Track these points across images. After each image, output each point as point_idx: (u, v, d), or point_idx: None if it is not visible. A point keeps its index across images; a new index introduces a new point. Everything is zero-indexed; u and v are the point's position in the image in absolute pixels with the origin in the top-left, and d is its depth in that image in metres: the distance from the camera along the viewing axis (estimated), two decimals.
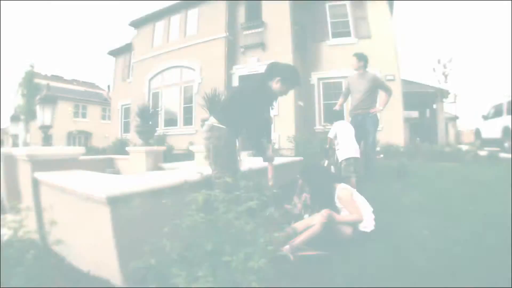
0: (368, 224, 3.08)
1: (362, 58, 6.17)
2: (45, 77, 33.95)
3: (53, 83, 32.75)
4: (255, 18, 14.06)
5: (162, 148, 8.02)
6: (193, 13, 15.98)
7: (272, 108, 3.53)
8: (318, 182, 3.35)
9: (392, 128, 12.29)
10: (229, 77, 14.36)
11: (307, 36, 14.48)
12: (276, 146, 12.36)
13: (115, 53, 22.41)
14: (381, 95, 6.34)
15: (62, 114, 28.17)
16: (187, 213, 1.78)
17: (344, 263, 2.47)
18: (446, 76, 15.10)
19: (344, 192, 3.23)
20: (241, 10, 14.70)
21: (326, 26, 14.23)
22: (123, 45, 21.32)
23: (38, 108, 5.26)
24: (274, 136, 12.90)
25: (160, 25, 17.49)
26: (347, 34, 13.82)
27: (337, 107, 6.30)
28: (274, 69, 3.27)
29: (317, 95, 14.02)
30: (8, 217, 4.44)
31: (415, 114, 22.86)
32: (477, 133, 14.96)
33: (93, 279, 2.50)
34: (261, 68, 13.75)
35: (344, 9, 14.06)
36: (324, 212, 2.92)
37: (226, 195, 1.97)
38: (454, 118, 16.95)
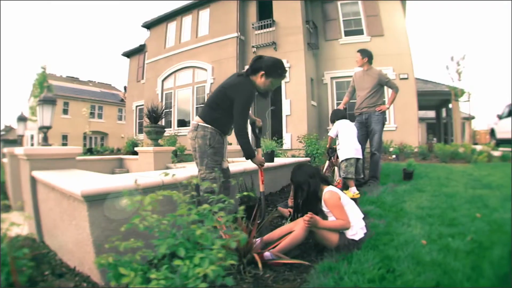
0: (357, 232, 2.77)
1: (366, 54, 5.88)
2: (60, 78, 34.54)
3: (68, 84, 33.31)
4: (266, 18, 13.91)
5: (171, 148, 8.11)
6: (204, 13, 15.95)
7: (266, 98, 3.43)
8: (304, 184, 3.01)
9: (406, 128, 12.06)
10: None
11: (320, 35, 14.32)
12: (287, 147, 12.26)
13: (128, 54, 22.62)
14: (388, 93, 6.12)
15: (78, 115, 28.57)
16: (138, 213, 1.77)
17: (324, 274, 2.25)
18: (459, 74, 14.64)
19: (330, 195, 2.89)
20: (252, 10, 14.60)
21: (338, 24, 14.02)
22: (137, 46, 21.52)
23: (38, 109, 5.31)
24: (286, 136, 12.81)
25: (172, 26, 17.54)
26: (360, 32, 13.58)
27: (341, 106, 6.10)
28: (257, 63, 3.15)
29: (330, 94, 13.80)
30: (14, 214, 4.73)
31: (431, 113, 22.47)
32: (492, 133, 14.55)
33: (76, 275, 2.54)
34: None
35: (356, 7, 13.82)
36: (306, 217, 2.66)
37: (186, 197, 1.91)
38: (470, 118, 16.49)
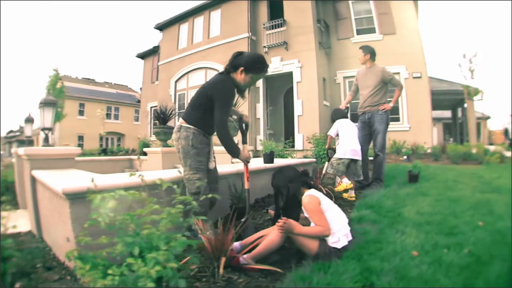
0: (339, 239, 2.58)
1: (368, 51, 5.74)
2: (76, 79, 35.08)
3: (84, 86, 33.81)
4: (277, 17, 13.82)
5: None
6: (216, 14, 15.98)
7: (244, 98, 3.48)
8: (283, 188, 2.87)
9: (420, 128, 11.80)
10: None
11: (331, 34, 14.16)
12: (299, 147, 12.17)
13: (143, 56, 22.86)
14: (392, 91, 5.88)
15: (94, 116, 28.97)
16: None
17: (296, 283, 2.10)
18: (472, 72, 14.31)
19: (308, 199, 2.72)
20: (263, 10, 14.52)
21: (350, 22, 13.82)
22: (151, 48, 21.71)
23: (39, 112, 5.42)
24: (298, 137, 12.72)
25: (184, 27, 17.63)
26: (372, 30, 13.36)
27: (343, 106, 5.88)
28: (237, 60, 3.10)
29: (343, 94, 13.57)
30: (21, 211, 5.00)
31: (447, 113, 22.02)
32: (506, 133, 14.19)
33: (64, 268, 2.60)
34: (285, 68, 13.70)
35: (367, 5, 13.58)
36: (279, 222, 2.51)
37: (152, 198, 1.93)
38: (486, 118, 16.10)
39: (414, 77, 11.75)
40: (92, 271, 1.59)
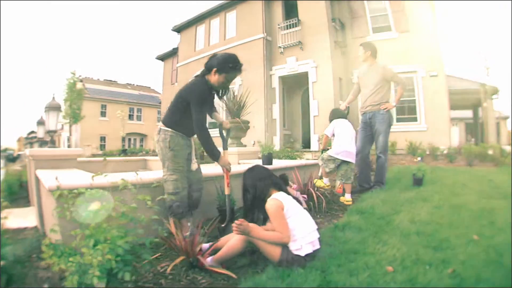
0: (301, 246, 2.44)
1: (369, 48, 5.48)
2: (98, 81, 35.82)
3: (105, 87, 34.51)
4: (291, 17, 13.75)
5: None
6: (231, 15, 16.05)
7: (220, 99, 3.55)
8: (251, 188, 2.77)
9: (437, 128, 11.44)
10: (268, 78, 14.21)
11: (347, 33, 13.95)
12: (315, 148, 12.09)
13: (163, 57, 23.16)
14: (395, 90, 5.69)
15: (116, 117, 29.62)
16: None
17: None
18: (487, 69, 13.89)
19: (271, 203, 2.56)
20: (278, 10, 14.48)
21: (365, 21, 13.56)
22: (170, 50, 21.97)
23: (44, 115, 5.62)
24: (314, 138, 12.64)
25: (201, 29, 17.79)
26: (388, 28, 13.06)
27: (343, 106, 5.71)
28: (210, 61, 3.17)
29: (360, 94, 13.33)
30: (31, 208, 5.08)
31: (468, 113, 21.39)
32: None
33: None
34: (301, 68, 13.63)
35: (382, 3, 13.28)
36: (236, 222, 2.41)
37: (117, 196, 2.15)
38: (505, 117, 15.54)
39: (431, 76, 11.46)
40: (55, 257, 1.92)
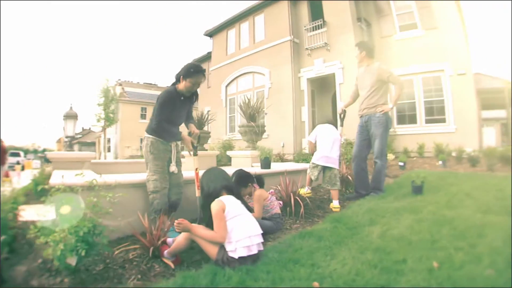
0: (236, 249, 2.59)
1: (363, 48, 5.30)
2: (137, 85, 37.07)
3: (145, 90, 35.65)
4: (317, 19, 13.71)
5: (215, 152, 8.99)
6: (260, 18, 16.23)
7: (192, 104, 3.97)
8: (205, 185, 3.07)
9: (465, 130, 10.87)
10: (297, 80, 14.26)
11: (374, 32, 13.66)
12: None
13: (198, 61, 23.67)
14: (392, 91, 5.35)
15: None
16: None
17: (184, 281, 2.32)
18: None
19: (215, 203, 2.76)
20: (304, 11, 14.49)
21: (391, 19, 13.17)
22: (205, 53, 22.46)
23: (63, 123, 6.46)
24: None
25: (232, 33, 18.13)
26: (414, 26, 12.58)
27: (339, 110, 5.58)
28: (178, 72, 3.70)
29: (388, 95, 13.03)
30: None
31: (502, 113, 20.22)
32: None
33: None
34: (328, 70, 13.58)
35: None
36: (177, 221, 2.71)
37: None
38: None
39: (458, 74, 10.97)
40: (41, 234, 2.42)
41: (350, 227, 3.53)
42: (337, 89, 13.18)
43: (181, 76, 3.62)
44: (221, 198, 2.84)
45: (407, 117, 12.50)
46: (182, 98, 3.72)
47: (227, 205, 2.76)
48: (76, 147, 49.77)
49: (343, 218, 3.90)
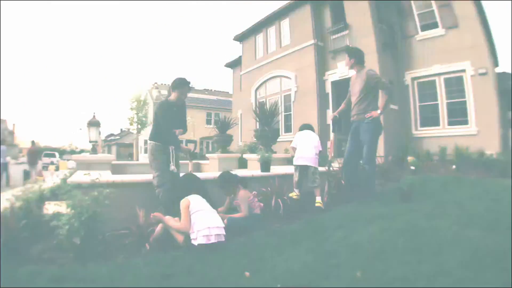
0: (197, 237, 3.33)
1: (353, 54, 5.40)
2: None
3: None
4: (339, 21, 13.70)
5: (236, 155, 9.38)
6: (285, 23, 16.39)
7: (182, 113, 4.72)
8: (179, 188, 3.98)
9: (487, 132, 10.39)
10: (322, 83, 14.29)
11: (396, 33, 13.40)
12: None
13: (231, 65, 24.12)
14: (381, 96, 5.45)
15: (192, 121, 31.42)
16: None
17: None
18: None
19: (182, 201, 3.62)
20: (326, 14, 14.51)
21: (413, 19, 12.88)
22: (237, 57, 22.84)
23: (87, 129, 7.23)
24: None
25: (260, 37, 18.44)
26: (434, 25, 12.22)
27: (331, 116, 5.71)
28: (170, 85, 4.60)
29: (412, 96, 12.76)
30: None
31: None
32: None
33: None
34: (351, 72, 13.33)
35: None
36: (152, 214, 3.63)
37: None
38: None
39: (479, 74, 10.56)
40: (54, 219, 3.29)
41: (316, 230, 3.81)
42: None
43: (171, 87, 4.45)
44: (188, 196, 3.66)
45: (430, 119, 12.22)
46: (175, 108, 4.45)
47: (192, 202, 3.58)
48: (114, 148, 52.07)
49: (317, 220, 4.25)
